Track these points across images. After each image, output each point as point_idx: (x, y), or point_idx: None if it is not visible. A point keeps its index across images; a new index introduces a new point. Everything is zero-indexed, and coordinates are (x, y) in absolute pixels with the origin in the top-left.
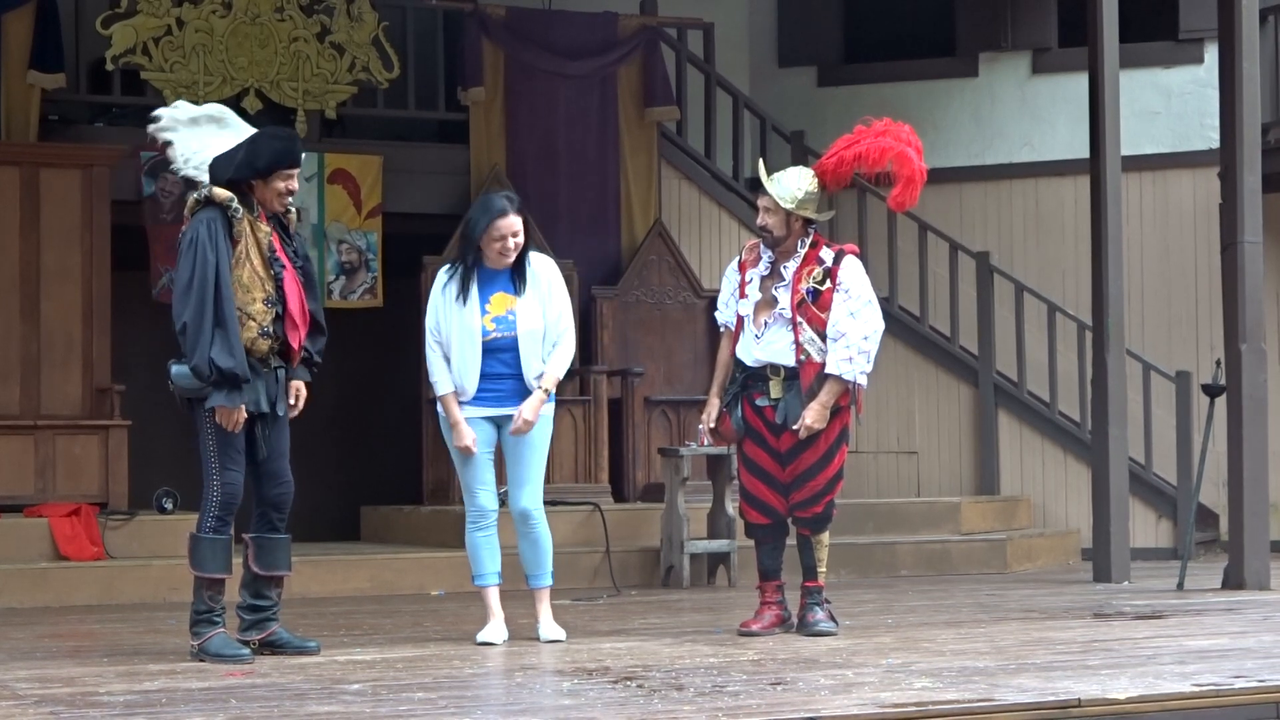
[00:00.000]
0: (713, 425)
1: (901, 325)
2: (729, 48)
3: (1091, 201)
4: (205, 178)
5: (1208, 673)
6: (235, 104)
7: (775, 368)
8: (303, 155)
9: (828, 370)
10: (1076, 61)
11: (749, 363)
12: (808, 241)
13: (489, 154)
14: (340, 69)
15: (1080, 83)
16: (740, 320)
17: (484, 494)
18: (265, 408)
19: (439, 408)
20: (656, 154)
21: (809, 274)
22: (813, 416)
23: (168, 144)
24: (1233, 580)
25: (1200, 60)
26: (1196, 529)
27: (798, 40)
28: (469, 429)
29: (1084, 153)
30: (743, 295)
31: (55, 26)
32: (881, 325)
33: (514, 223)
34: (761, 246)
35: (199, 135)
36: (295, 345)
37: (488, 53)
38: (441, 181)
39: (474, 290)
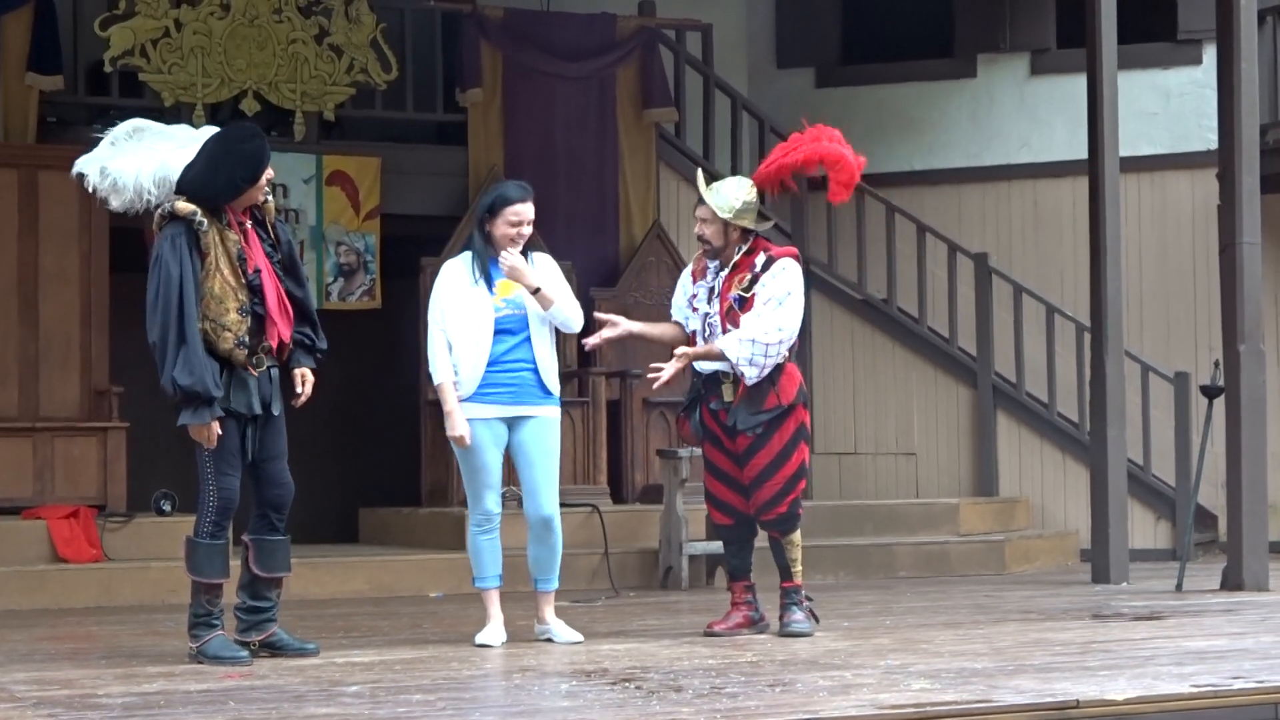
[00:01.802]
0: (606, 319)
1: (900, 326)
2: (727, 49)
3: (1090, 202)
4: (156, 193)
5: (1206, 674)
6: (233, 105)
7: (724, 372)
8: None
9: (718, 342)
10: (1075, 63)
11: (701, 371)
12: (743, 249)
13: (487, 155)
14: (338, 70)
15: (1079, 84)
16: (694, 333)
17: (490, 497)
18: (258, 409)
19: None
20: (655, 155)
21: (739, 282)
22: (681, 353)
23: (114, 184)
24: (1231, 581)
25: (1199, 61)
26: (1195, 530)
27: (796, 41)
28: (463, 420)
29: (1082, 154)
30: (694, 309)
31: (53, 28)
32: (788, 326)
33: (529, 209)
34: (706, 258)
35: (126, 155)
36: (275, 343)
37: (486, 54)
38: (440, 183)
39: (481, 272)
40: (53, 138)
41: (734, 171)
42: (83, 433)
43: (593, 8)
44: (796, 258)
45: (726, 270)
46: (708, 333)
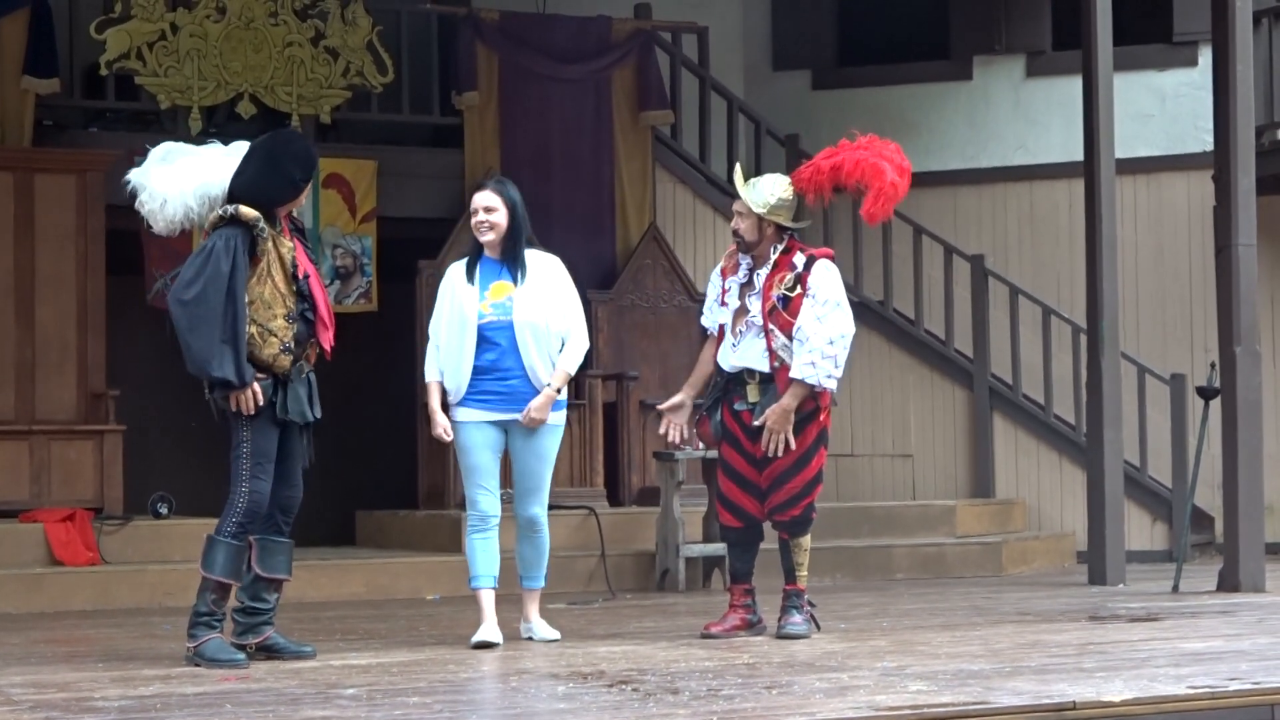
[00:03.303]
0: (665, 408)
1: (896, 329)
2: (723, 51)
3: (1086, 204)
4: (199, 209)
5: (1202, 675)
6: (229, 108)
7: (751, 372)
8: None
9: (791, 375)
10: (1071, 64)
11: (726, 369)
12: (780, 248)
13: (483, 158)
14: (334, 73)
15: (1074, 85)
16: (722, 327)
17: (486, 499)
18: (310, 416)
19: (452, 410)
20: (651, 158)
21: (780, 281)
22: (774, 418)
23: (163, 204)
24: (1228, 582)
25: (1194, 63)
26: (1191, 531)
27: (792, 44)
28: (444, 419)
29: (1078, 155)
30: (723, 303)
31: (49, 31)
32: (850, 329)
33: (486, 197)
34: (740, 254)
35: (166, 177)
36: (327, 346)
37: (482, 57)
38: (436, 186)
39: (476, 274)
40: (49, 141)
41: (730, 174)
42: (79, 436)
43: (589, 10)
44: (832, 258)
45: (766, 269)
46: (743, 327)
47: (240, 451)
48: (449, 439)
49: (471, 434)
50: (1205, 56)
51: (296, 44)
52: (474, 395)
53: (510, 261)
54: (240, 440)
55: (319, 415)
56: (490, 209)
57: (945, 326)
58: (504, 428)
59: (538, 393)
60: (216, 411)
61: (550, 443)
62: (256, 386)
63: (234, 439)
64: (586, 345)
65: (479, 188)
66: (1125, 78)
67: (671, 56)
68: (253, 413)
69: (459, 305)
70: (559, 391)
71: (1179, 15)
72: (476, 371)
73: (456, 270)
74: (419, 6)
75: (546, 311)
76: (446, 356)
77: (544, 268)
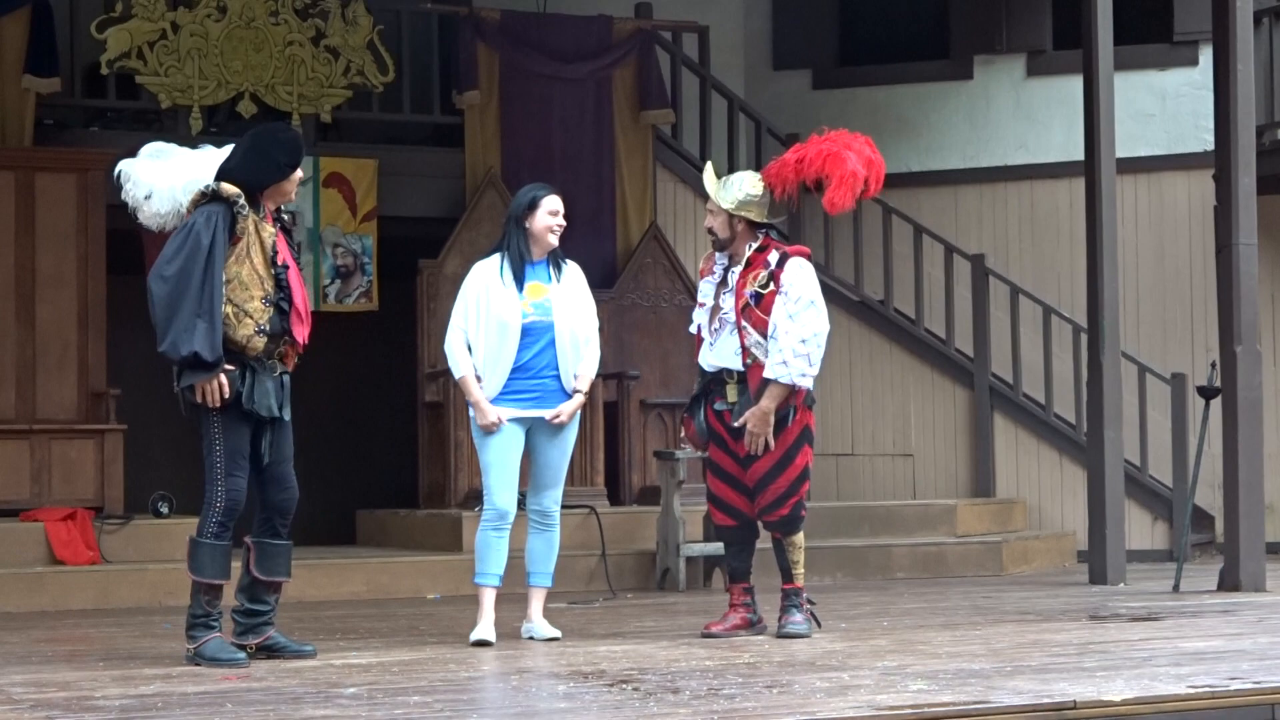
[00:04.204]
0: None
1: (897, 328)
2: (724, 51)
3: (1086, 204)
4: (187, 202)
5: (1203, 675)
6: (230, 108)
7: (729, 372)
8: None
9: (765, 375)
10: (1071, 64)
11: (706, 368)
12: (755, 245)
13: (484, 157)
14: (335, 73)
15: (1075, 85)
16: (700, 327)
17: (506, 496)
18: (276, 412)
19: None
20: (652, 157)
21: (754, 278)
22: (753, 421)
23: (148, 196)
24: (1228, 582)
25: (1195, 62)
26: (1192, 531)
27: (793, 43)
28: (491, 408)
29: (1079, 155)
30: (701, 304)
31: (50, 31)
32: (824, 328)
33: (559, 202)
34: (717, 254)
35: (157, 172)
36: (300, 340)
37: (482, 56)
38: (436, 185)
39: (510, 274)
40: (50, 140)
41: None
42: (80, 435)
43: (589, 10)
44: (808, 257)
45: (740, 267)
46: (717, 325)
47: (213, 449)
48: (502, 423)
49: (500, 430)
50: (1206, 56)
51: (297, 43)
52: (504, 393)
53: (548, 262)
54: (212, 439)
55: (288, 418)
56: (563, 215)
57: (946, 326)
58: (527, 425)
59: (567, 391)
60: (186, 406)
61: (573, 437)
62: (223, 378)
63: (205, 438)
64: (599, 350)
65: (552, 193)
66: (1126, 77)
67: (672, 56)
68: (218, 405)
69: (498, 307)
70: (586, 395)
71: (1179, 15)
72: (515, 368)
73: (488, 269)
74: (419, 6)
75: (581, 314)
76: (485, 357)
77: (572, 271)
